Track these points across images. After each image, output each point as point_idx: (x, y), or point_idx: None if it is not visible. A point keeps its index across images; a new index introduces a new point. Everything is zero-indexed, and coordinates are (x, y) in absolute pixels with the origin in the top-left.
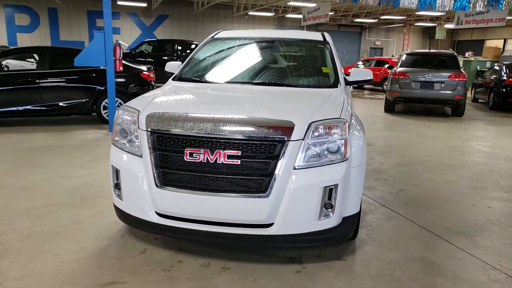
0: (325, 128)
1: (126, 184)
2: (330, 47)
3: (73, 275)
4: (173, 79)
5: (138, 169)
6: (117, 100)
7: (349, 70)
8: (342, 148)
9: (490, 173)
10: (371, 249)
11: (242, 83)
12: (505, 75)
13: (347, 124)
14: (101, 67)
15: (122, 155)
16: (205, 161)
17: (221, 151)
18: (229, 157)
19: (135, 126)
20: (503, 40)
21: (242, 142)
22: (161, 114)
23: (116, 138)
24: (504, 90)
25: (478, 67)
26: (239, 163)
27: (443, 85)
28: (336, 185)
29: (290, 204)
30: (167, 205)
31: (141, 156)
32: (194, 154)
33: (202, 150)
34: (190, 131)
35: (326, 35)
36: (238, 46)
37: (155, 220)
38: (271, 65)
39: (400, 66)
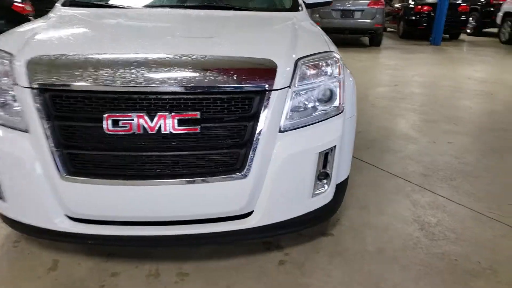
0: (315, 67)
1: (8, 176)
2: None
3: None
4: (64, 4)
5: (25, 151)
6: None
7: None
8: (337, 95)
9: (431, 103)
10: (355, 214)
11: (170, 6)
12: (413, 2)
13: (340, 60)
14: None
15: None
16: (141, 131)
17: (167, 114)
18: (181, 122)
19: (9, 81)
20: None
21: (201, 98)
22: (52, 58)
23: None
24: (413, 18)
25: None
26: (198, 131)
27: (362, 13)
28: (333, 148)
29: (276, 182)
30: (84, 205)
31: (26, 131)
32: (120, 122)
33: (134, 115)
34: (110, 84)
35: None
36: None
37: (67, 228)
38: None
39: None
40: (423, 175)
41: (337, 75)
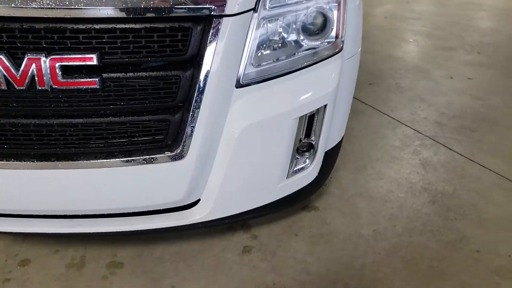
0: None
1: None
2: None
3: None
4: None
5: None
6: None
7: None
8: (334, 22)
9: (450, 26)
10: (348, 178)
11: None
12: None
13: None
14: None
15: None
16: (2, 85)
17: (42, 56)
18: (68, 72)
19: None
20: None
21: (99, 29)
22: None
23: None
24: None
25: None
26: (96, 85)
27: None
28: (322, 108)
29: (232, 163)
30: None
31: None
32: None
33: None
34: None
35: None
36: None
37: None
38: None
39: None
40: (437, 124)
41: None
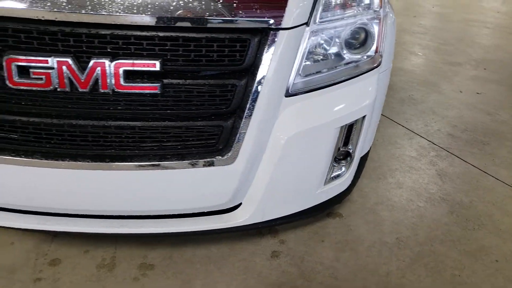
0: None
1: None
2: None
3: None
4: None
5: None
6: None
7: None
8: (375, 38)
9: (456, 42)
10: (369, 186)
11: None
12: None
13: None
14: None
15: None
16: (66, 87)
17: (107, 61)
18: (131, 76)
19: None
20: None
21: (163, 36)
22: None
23: None
24: None
25: None
26: (157, 91)
27: None
28: (361, 119)
29: (277, 169)
30: None
31: None
32: (32, 71)
33: (53, 60)
34: (13, 6)
35: None
36: None
37: None
38: None
39: None
40: (450, 136)
41: (377, 8)
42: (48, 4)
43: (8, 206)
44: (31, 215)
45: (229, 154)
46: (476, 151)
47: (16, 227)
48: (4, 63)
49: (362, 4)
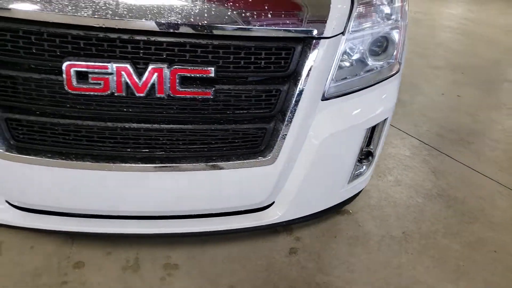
0: (370, 3)
1: None
2: None
3: None
4: None
5: None
6: None
7: None
8: (395, 45)
9: (436, 47)
10: (372, 184)
11: None
12: None
13: None
14: None
15: None
16: (123, 92)
17: (164, 67)
18: (187, 82)
19: None
20: None
21: (217, 45)
22: None
23: None
24: None
25: None
26: (210, 95)
27: None
28: (383, 121)
29: (311, 169)
30: (31, 191)
31: None
32: (91, 77)
33: (112, 66)
34: (74, 14)
35: None
36: None
37: (12, 220)
38: None
39: None
40: (439, 136)
41: (398, 17)
42: (110, 12)
43: (53, 209)
44: (73, 217)
45: (271, 155)
46: (463, 150)
47: (65, 230)
48: (63, 69)
49: (384, 13)
